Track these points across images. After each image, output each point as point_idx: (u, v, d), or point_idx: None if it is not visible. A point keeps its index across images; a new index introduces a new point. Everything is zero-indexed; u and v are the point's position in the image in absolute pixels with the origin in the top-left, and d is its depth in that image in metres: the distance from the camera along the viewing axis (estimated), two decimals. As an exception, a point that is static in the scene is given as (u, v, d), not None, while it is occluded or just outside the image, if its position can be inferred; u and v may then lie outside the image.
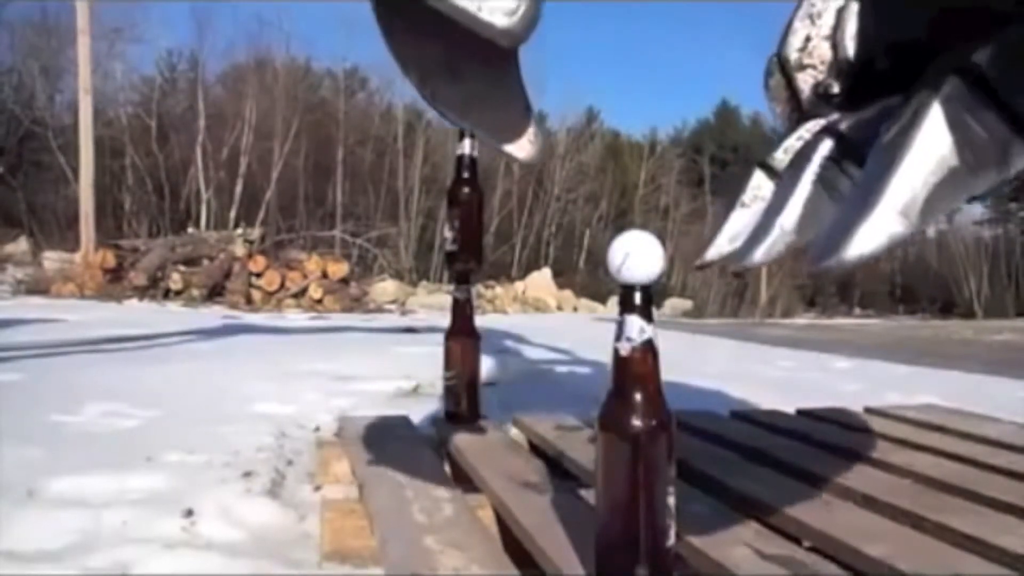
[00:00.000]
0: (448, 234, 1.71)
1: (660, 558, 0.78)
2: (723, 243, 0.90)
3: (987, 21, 0.60)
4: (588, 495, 1.13)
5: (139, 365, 3.14)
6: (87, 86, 11.97)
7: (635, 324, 0.77)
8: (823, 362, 4.54)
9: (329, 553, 1.05)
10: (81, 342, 3.92)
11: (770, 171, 0.89)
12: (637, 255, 0.76)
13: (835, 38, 0.71)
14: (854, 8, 0.67)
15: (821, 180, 0.77)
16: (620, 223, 21.52)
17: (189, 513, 1.20)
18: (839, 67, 0.69)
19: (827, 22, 0.72)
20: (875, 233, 0.58)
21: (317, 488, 1.40)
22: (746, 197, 0.91)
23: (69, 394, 2.21)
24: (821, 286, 23.64)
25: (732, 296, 16.21)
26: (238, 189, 19.12)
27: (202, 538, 1.14)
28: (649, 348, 0.77)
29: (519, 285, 15.50)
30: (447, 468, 1.37)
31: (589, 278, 20.23)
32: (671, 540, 0.79)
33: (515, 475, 1.28)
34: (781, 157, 0.86)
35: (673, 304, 15.88)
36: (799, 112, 0.83)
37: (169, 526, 1.17)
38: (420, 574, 0.90)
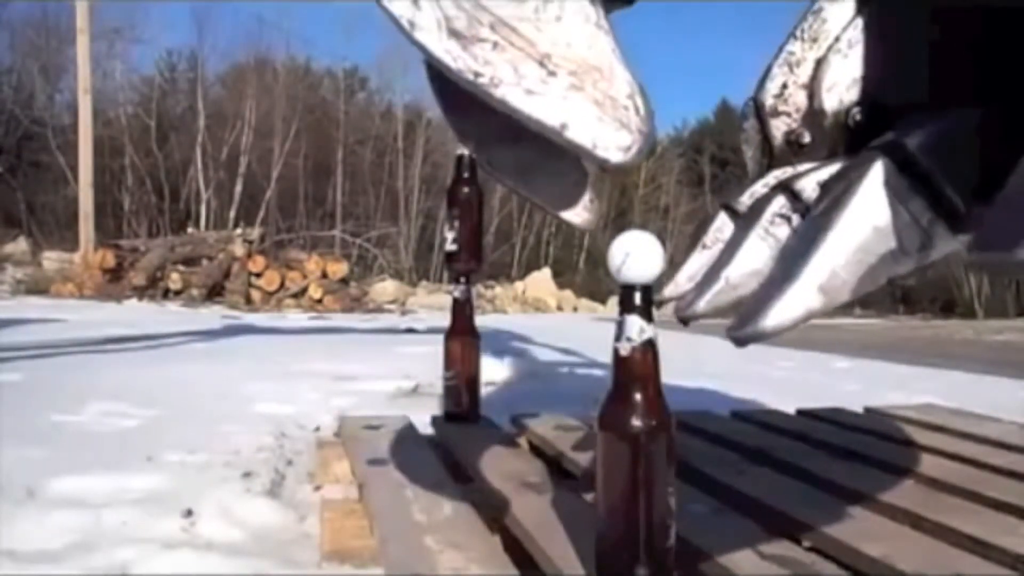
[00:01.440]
0: (448, 234, 1.71)
1: (660, 558, 0.78)
2: (682, 282, 0.92)
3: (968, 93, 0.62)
4: (588, 495, 1.13)
5: (139, 365, 3.14)
6: (87, 86, 11.97)
7: (635, 324, 0.77)
8: (823, 362, 4.54)
9: (329, 553, 1.05)
10: (81, 342, 3.92)
11: (734, 214, 0.90)
12: (637, 255, 0.76)
13: (812, 87, 0.72)
14: (833, 60, 0.68)
15: (770, 236, 0.78)
16: (620, 223, 21.50)
17: (189, 513, 1.20)
18: (813, 117, 0.70)
19: (805, 71, 0.73)
20: (793, 307, 0.60)
21: (317, 488, 1.40)
22: (707, 238, 0.92)
23: (69, 394, 2.21)
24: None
25: (732, 296, 16.19)
26: (238, 189, 19.12)
27: (202, 538, 1.14)
28: (649, 348, 0.77)
29: (519, 285, 15.49)
30: (447, 468, 1.37)
31: (589, 278, 20.23)
32: (671, 540, 0.79)
33: (515, 475, 1.28)
34: (746, 202, 0.87)
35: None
36: (769, 158, 0.84)
37: (169, 526, 1.17)
38: (420, 574, 0.90)
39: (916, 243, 0.60)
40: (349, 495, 1.29)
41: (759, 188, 0.86)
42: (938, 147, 0.62)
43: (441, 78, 0.63)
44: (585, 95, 0.58)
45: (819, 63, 0.71)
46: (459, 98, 0.64)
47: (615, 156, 0.58)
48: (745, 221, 0.84)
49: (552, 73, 0.58)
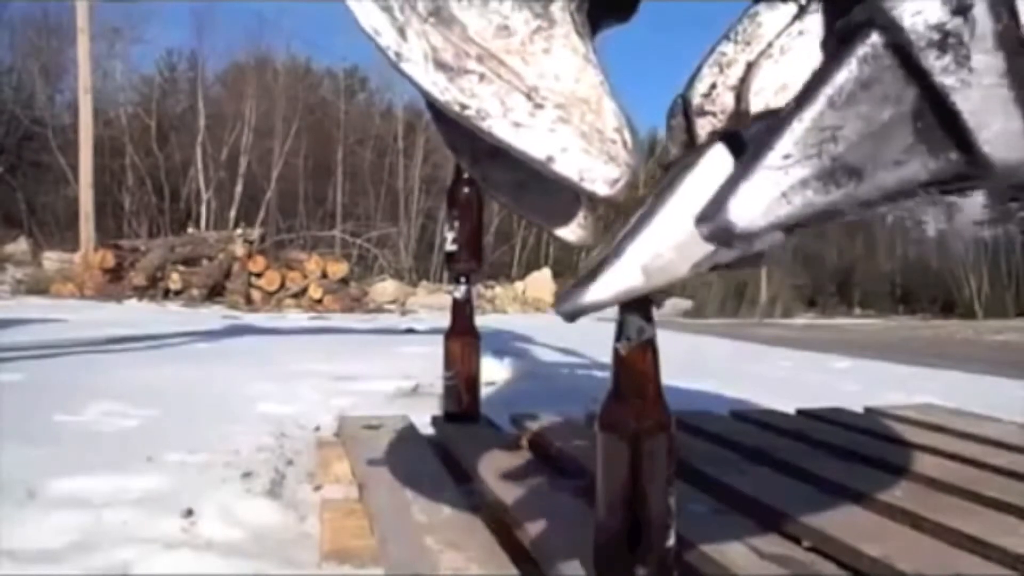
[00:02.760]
0: (448, 234, 1.72)
1: (660, 558, 0.78)
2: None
3: None
4: (588, 495, 1.13)
5: (139, 365, 3.14)
6: (87, 86, 11.98)
7: (634, 323, 0.77)
8: (823, 362, 4.54)
9: (329, 553, 1.05)
10: (81, 342, 3.92)
11: None
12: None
13: (740, 90, 0.73)
14: (764, 64, 0.68)
15: None
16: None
17: (189, 513, 1.21)
18: (738, 119, 0.70)
19: (735, 73, 0.73)
20: (613, 284, 0.62)
21: (317, 488, 1.40)
22: None
23: (69, 394, 2.21)
24: (821, 286, 23.65)
25: (732, 296, 16.20)
26: (238, 189, 19.12)
27: (202, 538, 1.14)
28: (649, 347, 0.77)
29: (519, 285, 15.48)
30: (447, 468, 1.37)
31: (589, 278, 20.16)
32: (671, 540, 0.79)
33: (515, 475, 1.28)
34: None
35: (673, 304, 15.85)
36: None
37: (169, 526, 1.17)
38: (420, 574, 0.90)
39: None
40: (349, 495, 1.29)
41: None
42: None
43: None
44: (572, 128, 0.58)
45: (750, 66, 0.71)
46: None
47: (602, 189, 0.59)
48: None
49: (539, 106, 0.58)
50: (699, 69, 0.76)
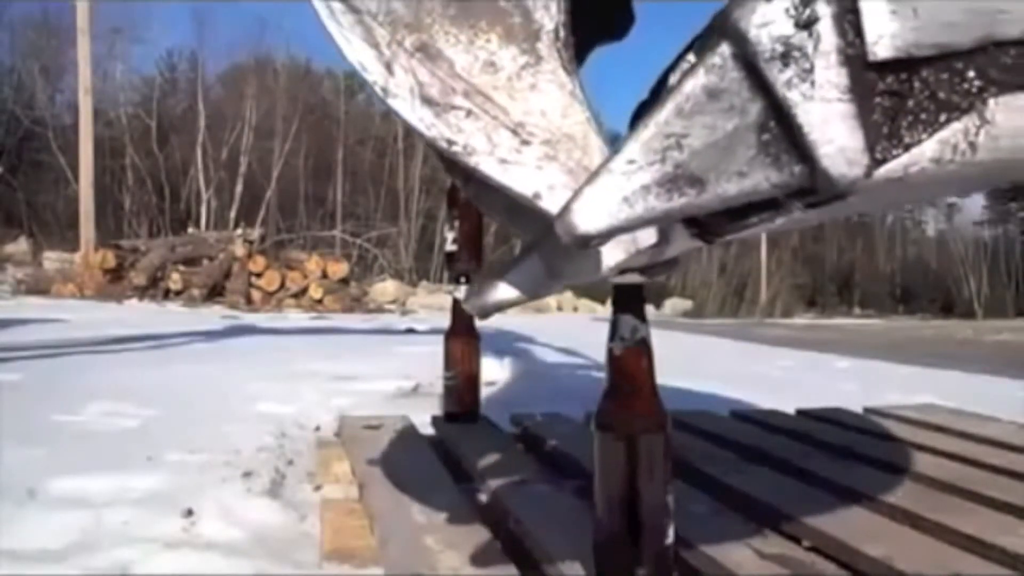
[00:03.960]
0: (448, 234, 1.72)
1: (659, 557, 0.78)
2: None
3: None
4: (587, 494, 1.13)
5: (139, 365, 3.14)
6: (87, 86, 11.98)
7: (628, 323, 0.77)
8: (823, 362, 4.54)
9: (329, 553, 1.05)
10: (81, 342, 3.92)
11: None
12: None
13: None
14: None
15: None
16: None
17: (190, 513, 1.21)
18: None
19: None
20: (521, 282, 0.68)
21: (317, 488, 1.40)
22: None
23: (70, 394, 2.21)
24: (821, 286, 23.66)
25: (732, 296, 16.21)
26: (238, 189, 19.13)
27: (202, 538, 1.14)
28: (643, 347, 0.77)
29: (519, 285, 15.46)
30: (447, 468, 1.37)
31: (589, 278, 20.17)
32: (670, 539, 0.79)
33: (515, 475, 1.28)
34: None
35: (673, 304, 15.85)
36: None
37: (170, 526, 1.17)
38: (420, 574, 0.90)
39: (652, 239, 0.61)
40: (349, 495, 1.29)
41: None
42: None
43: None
44: (559, 164, 0.58)
45: None
46: None
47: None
48: None
49: (526, 142, 0.58)
50: (664, 75, 0.76)
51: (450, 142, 0.58)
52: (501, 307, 0.67)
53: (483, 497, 1.22)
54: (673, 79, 0.74)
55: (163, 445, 1.61)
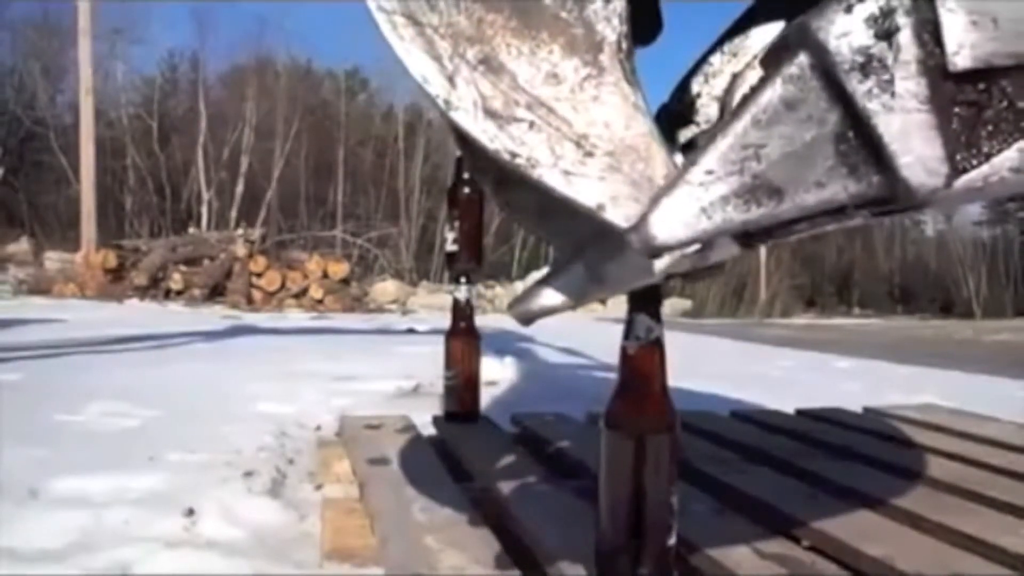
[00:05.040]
0: (449, 234, 1.72)
1: (660, 558, 0.78)
2: None
3: None
4: (588, 494, 1.13)
5: (140, 365, 3.14)
6: (88, 87, 11.98)
7: (643, 323, 0.76)
8: (823, 362, 4.54)
9: (329, 552, 1.05)
10: (82, 342, 3.92)
11: None
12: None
13: (724, 100, 0.73)
14: (749, 76, 0.68)
15: None
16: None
17: (190, 512, 1.21)
18: None
19: (720, 84, 0.74)
20: (548, 299, 0.71)
21: (318, 487, 1.40)
22: None
23: (70, 394, 2.21)
24: (820, 286, 23.65)
25: (732, 296, 16.19)
26: (239, 189, 19.13)
27: (203, 537, 1.14)
28: (656, 347, 0.77)
29: (519, 285, 15.47)
30: (447, 468, 1.37)
31: (589, 278, 20.15)
32: (672, 539, 0.79)
33: (515, 475, 1.28)
34: None
35: (673, 304, 15.83)
36: None
37: (170, 525, 1.17)
38: (420, 574, 0.90)
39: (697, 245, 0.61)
40: (350, 494, 1.29)
41: None
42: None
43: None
44: (622, 176, 0.58)
45: (735, 77, 0.72)
46: None
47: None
48: None
49: (589, 153, 0.58)
50: (685, 80, 0.76)
51: (513, 154, 0.58)
52: (545, 313, 0.67)
53: (483, 497, 1.22)
54: (700, 83, 0.74)
55: (163, 445, 1.61)
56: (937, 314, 20.90)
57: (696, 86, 0.75)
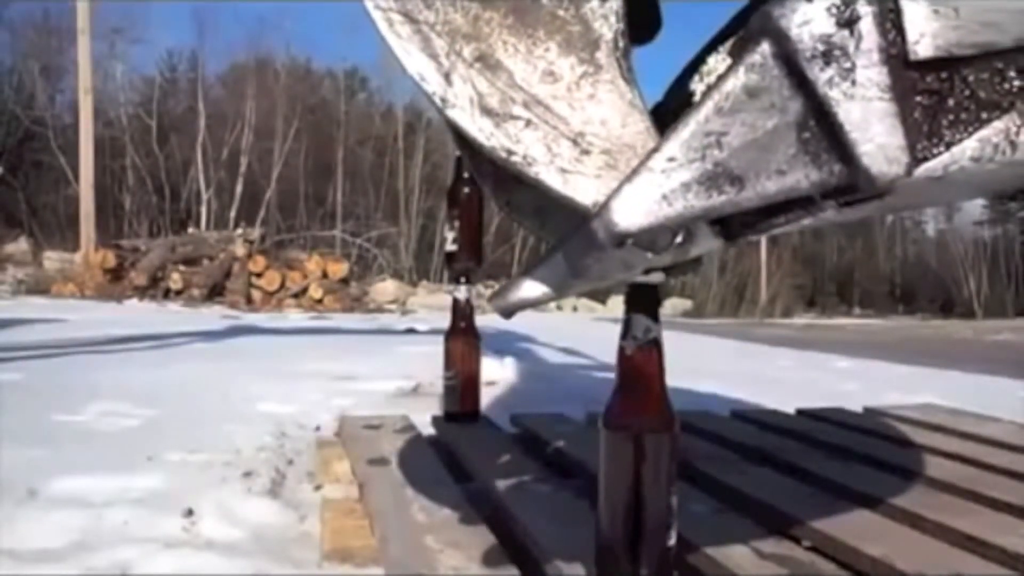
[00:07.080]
0: (448, 234, 1.72)
1: (660, 558, 0.78)
2: None
3: None
4: (588, 494, 1.13)
5: (140, 365, 3.14)
6: (87, 86, 11.97)
7: (641, 323, 0.76)
8: (823, 362, 4.54)
9: (329, 552, 1.05)
10: (82, 342, 3.92)
11: None
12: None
13: None
14: None
15: None
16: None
17: (190, 513, 1.21)
18: None
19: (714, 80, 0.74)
20: (527, 291, 0.68)
21: (317, 488, 1.40)
22: None
23: (70, 394, 2.21)
24: (820, 286, 23.66)
25: (732, 296, 16.20)
26: (238, 189, 19.14)
27: (202, 538, 1.14)
28: (655, 347, 0.77)
29: (519, 285, 15.46)
30: (447, 468, 1.37)
31: (589, 278, 20.15)
32: (672, 539, 0.79)
33: (515, 475, 1.28)
34: None
35: (673, 304, 15.84)
36: None
37: (170, 525, 1.17)
38: (420, 574, 0.90)
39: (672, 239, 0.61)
40: (349, 494, 1.29)
41: None
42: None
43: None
44: (619, 174, 0.58)
45: None
46: None
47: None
48: None
49: (586, 151, 0.58)
50: (681, 78, 0.76)
51: (509, 152, 0.58)
52: (525, 305, 0.66)
53: (483, 497, 1.22)
54: (696, 82, 0.74)
55: (163, 445, 1.61)
56: (938, 314, 20.92)
57: (692, 85, 0.75)
